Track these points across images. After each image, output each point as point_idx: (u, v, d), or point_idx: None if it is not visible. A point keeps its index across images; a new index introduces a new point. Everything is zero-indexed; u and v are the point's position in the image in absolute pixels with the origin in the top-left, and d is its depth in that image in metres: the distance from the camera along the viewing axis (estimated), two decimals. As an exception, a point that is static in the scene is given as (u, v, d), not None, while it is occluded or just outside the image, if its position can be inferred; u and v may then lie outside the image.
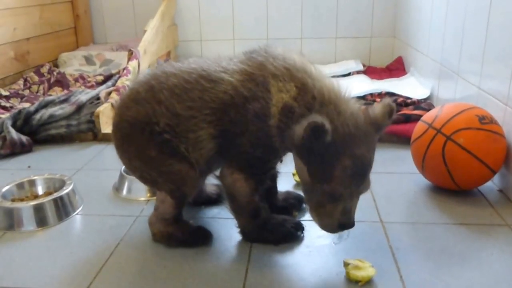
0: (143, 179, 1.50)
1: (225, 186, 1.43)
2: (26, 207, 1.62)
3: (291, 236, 1.48)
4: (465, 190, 1.76)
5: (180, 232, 1.49)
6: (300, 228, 1.50)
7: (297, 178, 1.82)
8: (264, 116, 1.30)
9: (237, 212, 1.47)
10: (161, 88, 1.37)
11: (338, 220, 1.29)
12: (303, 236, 1.49)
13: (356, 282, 1.28)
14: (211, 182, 1.71)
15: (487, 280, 1.29)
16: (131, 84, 1.48)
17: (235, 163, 1.39)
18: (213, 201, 1.73)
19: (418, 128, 1.79)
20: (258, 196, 1.44)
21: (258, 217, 1.45)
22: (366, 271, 1.29)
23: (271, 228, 1.47)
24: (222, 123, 1.35)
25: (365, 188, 1.28)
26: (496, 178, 1.79)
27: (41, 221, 1.62)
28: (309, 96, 1.27)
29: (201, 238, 1.49)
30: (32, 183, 1.82)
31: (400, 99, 2.60)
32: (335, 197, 1.25)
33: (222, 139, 1.36)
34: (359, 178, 1.24)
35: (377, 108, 1.29)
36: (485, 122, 1.66)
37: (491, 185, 1.81)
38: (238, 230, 1.49)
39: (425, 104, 2.49)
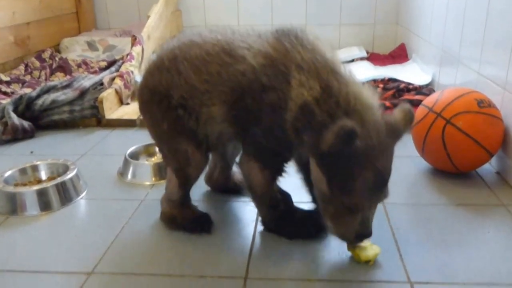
0: (159, 148, 1.54)
1: (242, 173, 1.42)
2: (29, 192, 1.63)
3: (310, 236, 1.42)
4: (463, 173, 1.79)
5: (182, 217, 1.50)
6: (322, 229, 1.39)
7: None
8: (279, 109, 1.23)
9: (256, 201, 1.46)
10: (184, 58, 1.35)
11: (356, 231, 1.23)
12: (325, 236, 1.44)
13: (366, 262, 1.30)
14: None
15: (483, 258, 1.32)
16: (159, 52, 1.46)
17: (250, 150, 1.37)
18: (238, 190, 1.70)
19: (419, 112, 1.81)
20: (275, 187, 1.43)
21: (276, 208, 1.43)
22: (373, 249, 1.31)
23: (291, 222, 1.45)
24: (235, 107, 1.30)
25: (384, 197, 1.21)
26: (493, 160, 1.82)
27: (45, 205, 1.63)
28: (333, 101, 1.16)
29: (200, 226, 1.49)
30: (35, 168, 1.83)
31: (402, 85, 2.61)
32: (354, 210, 1.19)
33: (236, 123, 1.34)
34: (379, 190, 1.18)
35: (398, 115, 1.20)
36: (484, 106, 1.68)
37: (489, 167, 1.84)
38: (260, 220, 1.50)
39: (427, 90, 2.51)
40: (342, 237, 1.28)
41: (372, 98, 1.21)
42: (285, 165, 1.39)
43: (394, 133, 1.18)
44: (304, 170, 1.48)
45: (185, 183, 1.49)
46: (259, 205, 1.46)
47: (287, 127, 1.23)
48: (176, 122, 1.38)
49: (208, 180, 1.72)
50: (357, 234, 1.24)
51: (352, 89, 1.19)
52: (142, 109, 1.48)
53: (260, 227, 1.49)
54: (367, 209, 1.21)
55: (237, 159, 1.48)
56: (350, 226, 1.23)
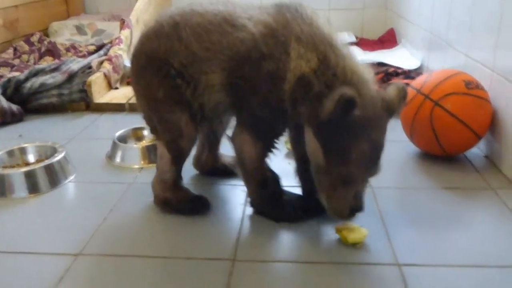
0: (147, 119, 1.50)
1: (234, 148, 1.40)
2: (17, 174, 1.63)
3: (297, 219, 1.43)
4: (451, 156, 1.79)
5: (176, 199, 1.50)
6: (310, 213, 1.43)
7: (289, 146, 1.83)
8: (277, 79, 1.24)
9: (245, 178, 1.44)
10: (185, 25, 1.34)
11: (350, 205, 1.25)
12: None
13: (354, 244, 1.30)
14: (228, 154, 1.71)
15: (471, 241, 1.33)
16: (157, 17, 1.44)
17: (245, 122, 1.36)
18: (227, 172, 1.71)
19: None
20: (266, 165, 1.43)
21: (265, 187, 1.43)
22: (361, 232, 1.32)
23: (279, 204, 1.45)
24: (234, 75, 1.30)
25: (376, 172, 1.23)
26: (481, 143, 1.83)
27: (33, 187, 1.63)
28: (330, 73, 1.19)
29: (197, 207, 1.49)
30: (23, 150, 1.83)
31: (391, 69, 2.61)
32: (350, 181, 1.21)
33: (233, 92, 1.33)
34: (374, 162, 1.21)
35: (392, 91, 1.22)
36: (472, 87, 1.68)
37: (477, 151, 1.85)
38: (249, 199, 1.49)
39: (415, 74, 2.51)
40: (336, 211, 1.28)
41: (368, 73, 1.24)
42: (277, 139, 1.40)
43: (389, 108, 1.21)
44: (298, 154, 1.49)
45: (178, 157, 1.47)
46: (248, 181, 1.45)
47: (285, 97, 1.25)
48: (173, 90, 1.37)
49: (196, 163, 1.72)
50: (351, 208, 1.26)
51: (348, 62, 1.22)
52: (136, 74, 1.46)
53: (249, 210, 1.49)
54: (361, 182, 1.24)
55: (229, 133, 1.46)
56: (345, 200, 1.25)
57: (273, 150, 1.41)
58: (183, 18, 1.36)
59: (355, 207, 1.26)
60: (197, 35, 1.33)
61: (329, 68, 1.20)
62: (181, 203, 1.49)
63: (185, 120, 1.40)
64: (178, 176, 1.51)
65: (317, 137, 1.20)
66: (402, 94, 1.23)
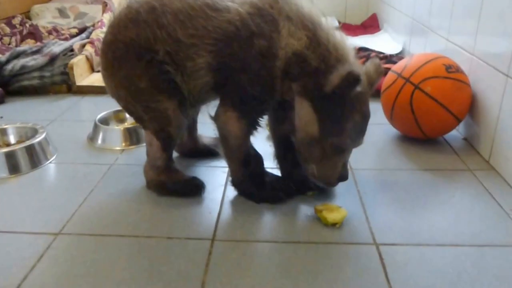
0: (128, 110, 1.47)
1: (217, 126, 1.39)
2: (-3, 154, 1.63)
3: (278, 200, 1.44)
4: (431, 139, 1.81)
5: (171, 181, 1.50)
6: (290, 194, 1.47)
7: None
8: (269, 55, 1.27)
9: (229, 157, 1.44)
10: (164, 11, 1.31)
11: (340, 173, 1.32)
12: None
13: (333, 224, 1.32)
14: (207, 135, 1.72)
15: (447, 219, 1.35)
16: (128, 2, 1.37)
17: (230, 100, 1.35)
18: (208, 152, 1.72)
19: (388, 78, 1.82)
20: (250, 144, 1.44)
21: (248, 166, 1.44)
22: (340, 212, 1.33)
23: (260, 184, 1.46)
24: (222, 55, 1.30)
25: (361, 142, 1.32)
26: (461, 126, 1.85)
27: (13, 168, 1.63)
28: (323, 49, 1.25)
29: (193, 188, 1.50)
30: (3, 131, 1.82)
31: (373, 54, 2.62)
32: (341, 150, 1.28)
33: (220, 72, 1.32)
34: (362, 132, 1.30)
35: (370, 67, 1.31)
36: (452, 71, 1.70)
37: (456, 133, 1.87)
38: (230, 179, 1.49)
39: (397, 58, 2.52)
40: (326, 178, 1.34)
41: (352, 50, 1.31)
42: (262, 117, 1.41)
43: (370, 83, 1.29)
44: (277, 137, 1.52)
45: (168, 144, 1.46)
46: (231, 160, 1.45)
47: (276, 74, 1.28)
48: (158, 78, 1.35)
49: (178, 146, 1.71)
50: (340, 175, 1.33)
51: (337, 39, 1.29)
52: (113, 66, 1.39)
53: (229, 191, 1.50)
54: (350, 151, 1.32)
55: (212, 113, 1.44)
56: (335, 168, 1.32)
57: (257, 128, 1.41)
58: (160, 3, 1.32)
59: (342, 175, 1.34)
60: (180, 22, 1.31)
61: (319, 45, 1.26)
62: (176, 184, 1.49)
63: (172, 107, 1.39)
64: (170, 160, 1.51)
65: (315, 109, 1.25)
66: (380, 70, 1.32)
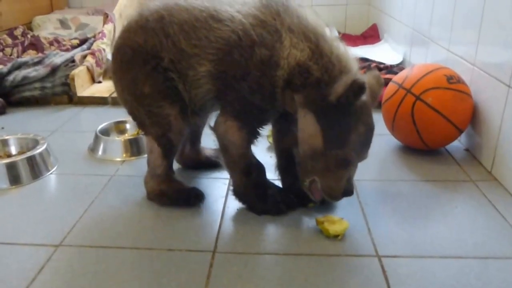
0: (133, 115, 1.48)
1: (218, 136, 1.40)
2: (-2, 165, 1.62)
3: (279, 213, 1.43)
4: (433, 149, 1.81)
5: (172, 190, 1.50)
6: (291, 206, 1.46)
7: (271, 140, 1.84)
8: (271, 64, 1.27)
9: (230, 166, 1.44)
10: (171, 21, 1.35)
11: (344, 187, 1.30)
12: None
13: (335, 236, 1.31)
14: (209, 147, 1.72)
15: (450, 231, 1.34)
16: (139, 10, 1.43)
17: (230, 109, 1.36)
18: (211, 164, 1.72)
19: (389, 89, 1.82)
20: (251, 153, 1.43)
21: (249, 175, 1.42)
22: (342, 224, 1.33)
23: (262, 195, 1.45)
24: (222, 63, 1.31)
25: (366, 156, 1.30)
26: (462, 137, 1.84)
27: (14, 179, 1.62)
28: (326, 60, 1.25)
29: (193, 198, 1.49)
30: (4, 142, 1.82)
31: (373, 65, 2.63)
32: (346, 164, 1.26)
33: (221, 81, 1.33)
34: (367, 145, 1.28)
35: (371, 79, 1.30)
36: (453, 82, 1.69)
37: (458, 144, 1.87)
38: (232, 188, 1.48)
39: (397, 69, 2.53)
40: (330, 192, 1.31)
41: (355, 62, 1.31)
42: (262, 127, 1.40)
43: (372, 95, 1.28)
44: (280, 149, 1.52)
45: (169, 151, 1.47)
46: (232, 169, 1.44)
47: (277, 83, 1.28)
48: (162, 84, 1.37)
49: (180, 158, 1.71)
50: (344, 190, 1.30)
51: (340, 51, 1.28)
52: (121, 68, 1.43)
53: (230, 203, 1.49)
54: (355, 165, 1.30)
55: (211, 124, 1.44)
56: (339, 182, 1.29)
57: (258, 137, 1.41)
58: (169, 14, 1.36)
59: (347, 190, 1.31)
60: (184, 33, 1.34)
61: (322, 56, 1.25)
62: (177, 194, 1.49)
63: (174, 114, 1.40)
64: (170, 169, 1.52)
65: (318, 120, 1.24)
66: (381, 82, 1.32)
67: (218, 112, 1.42)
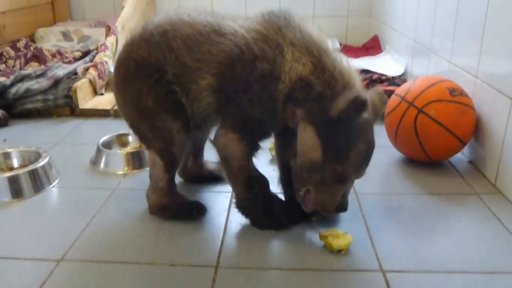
0: (134, 128, 1.47)
1: (218, 148, 1.39)
2: (0, 179, 1.61)
3: (282, 227, 1.42)
4: (436, 162, 1.80)
5: (174, 204, 1.49)
6: (295, 221, 1.44)
7: (273, 152, 1.83)
8: (272, 78, 1.27)
9: (231, 179, 1.42)
10: (175, 35, 1.35)
11: (338, 202, 1.30)
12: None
13: (339, 251, 1.30)
14: (212, 160, 1.70)
15: (455, 245, 1.33)
16: (143, 24, 1.44)
17: (230, 122, 1.35)
18: (213, 178, 1.72)
19: (392, 101, 1.81)
20: (252, 165, 1.41)
21: (251, 188, 1.41)
22: (345, 238, 1.32)
23: (265, 209, 1.43)
24: (224, 77, 1.32)
25: (364, 173, 1.30)
26: (466, 149, 1.84)
27: (16, 192, 1.62)
28: (328, 75, 1.24)
29: (195, 211, 1.48)
30: (7, 155, 1.82)
31: (375, 76, 2.62)
32: (343, 179, 1.26)
33: (222, 94, 1.33)
34: (366, 163, 1.28)
35: (374, 96, 1.30)
36: (456, 95, 1.69)
37: (461, 156, 1.86)
38: (234, 201, 1.46)
39: (399, 81, 2.52)
40: (323, 205, 1.31)
41: (358, 77, 1.30)
42: (262, 139, 1.40)
43: (374, 112, 1.28)
44: (282, 162, 1.50)
45: (171, 164, 1.46)
46: (234, 182, 1.43)
47: (278, 97, 1.28)
48: (165, 98, 1.37)
49: (182, 172, 1.71)
50: (338, 205, 1.30)
51: (343, 66, 1.28)
52: (124, 81, 1.43)
53: (233, 217, 1.48)
54: (352, 182, 1.30)
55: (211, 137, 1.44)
56: (333, 196, 1.29)
57: (258, 149, 1.40)
58: (172, 28, 1.36)
59: (341, 206, 1.31)
60: (188, 47, 1.34)
61: (324, 71, 1.24)
62: (179, 207, 1.49)
63: (177, 128, 1.40)
64: (172, 183, 1.51)
65: (319, 134, 1.24)
66: (384, 98, 1.32)
67: (217, 123, 1.42)
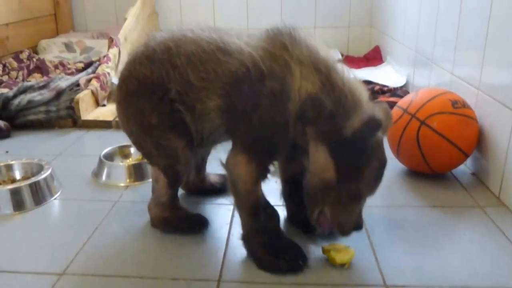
0: (138, 145, 1.46)
1: (228, 171, 1.34)
2: (2, 191, 1.61)
3: (280, 271, 1.28)
4: (439, 174, 1.79)
5: (176, 218, 1.48)
6: (298, 268, 1.30)
7: (276, 165, 1.81)
8: (282, 97, 1.23)
9: (238, 205, 1.36)
10: (179, 52, 1.32)
11: (355, 221, 1.28)
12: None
13: (342, 265, 1.29)
14: (214, 172, 1.71)
15: (459, 259, 1.32)
16: (146, 40, 1.41)
17: (240, 143, 1.32)
18: (215, 190, 1.71)
19: (394, 113, 1.80)
20: (261, 192, 1.35)
21: (257, 217, 1.33)
22: (348, 252, 1.31)
23: (268, 244, 1.33)
24: (232, 97, 1.29)
25: (376, 190, 1.28)
26: (469, 161, 1.83)
27: (18, 205, 1.61)
28: (338, 92, 1.22)
29: (197, 225, 1.48)
30: (9, 167, 1.81)
31: (377, 87, 2.62)
32: (358, 198, 1.25)
33: (231, 114, 1.30)
34: (379, 180, 1.27)
35: (379, 111, 1.26)
36: (458, 107, 1.69)
37: (464, 168, 1.85)
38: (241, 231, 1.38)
39: (401, 91, 2.52)
40: (341, 226, 1.28)
41: (366, 91, 1.28)
42: (273, 161, 1.36)
43: (383, 127, 1.25)
44: (285, 175, 1.50)
45: (175, 181, 1.45)
46: (240, 208, 1.36)
47: (289, 116, 1.25)
48: (169, 116, 1.35)
49: (185, 184, 1.69)
50: (355, 224, 1.29)
51: (353, 83, 1.26)
52: (126, 100, 1.42)
53: (235, 230, 1.48)
54: (366, 198, 1.28)
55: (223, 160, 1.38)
56: (351, 215, 1.27)
57: (267, 174, 1.34)
58: (176, 45, 1.34)
59: (358, 224, 1.29)
60: (192, 65, 1.31)
61: (334, 89, 1.22)
62: (181, 221, 1.48)
63: (182, 146, 1.38)
64: (175, 197, 1.50)
65: (331, 154, 1.21)
66: (389, 114, 1.32)
67: (224, 142, 1.41)
